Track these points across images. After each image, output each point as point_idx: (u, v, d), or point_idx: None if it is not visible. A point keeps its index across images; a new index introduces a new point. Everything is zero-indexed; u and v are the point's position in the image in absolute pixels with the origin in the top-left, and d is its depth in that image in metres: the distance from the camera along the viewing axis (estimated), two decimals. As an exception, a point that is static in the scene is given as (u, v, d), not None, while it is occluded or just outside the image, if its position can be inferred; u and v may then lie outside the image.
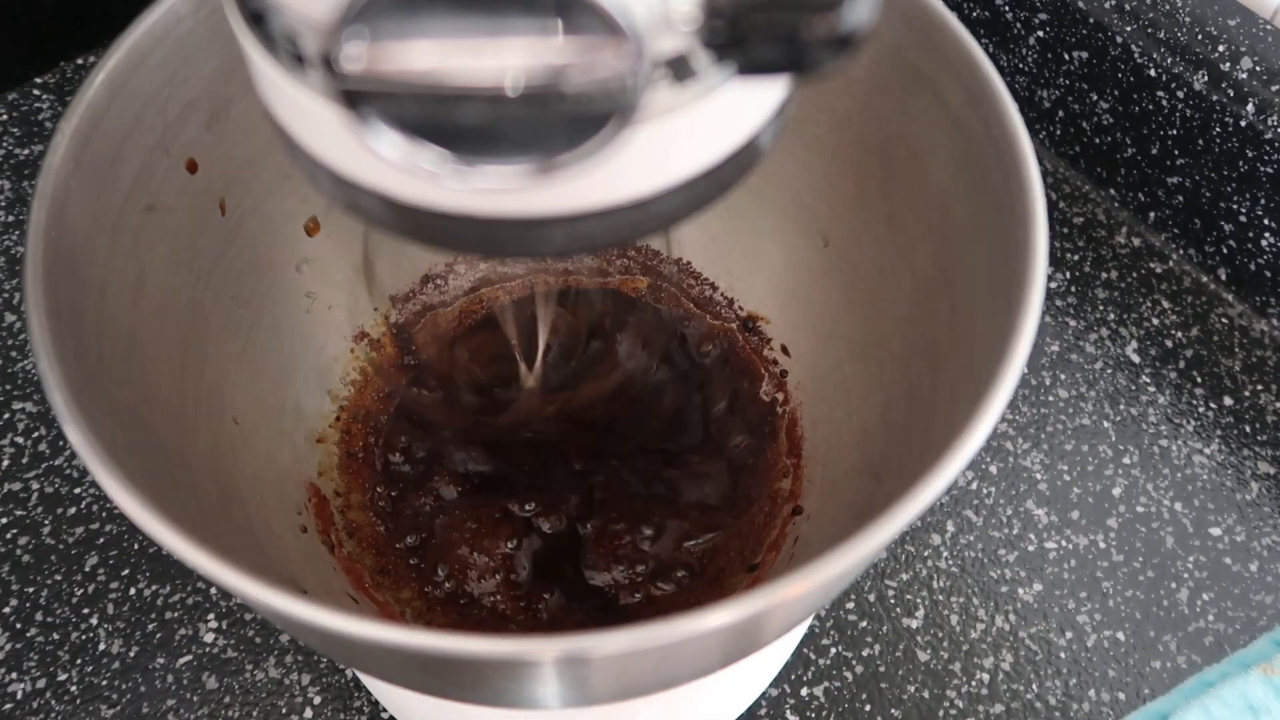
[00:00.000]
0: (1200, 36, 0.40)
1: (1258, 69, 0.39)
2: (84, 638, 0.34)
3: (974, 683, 0.34)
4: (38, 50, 0.47)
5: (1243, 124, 0.39)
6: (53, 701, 0.33)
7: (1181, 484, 0.38)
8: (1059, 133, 0.47)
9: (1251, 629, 0.35)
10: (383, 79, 0.13)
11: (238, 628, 0.34)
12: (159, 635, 0.34)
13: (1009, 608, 0.35)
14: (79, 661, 0.33)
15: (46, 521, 0.36)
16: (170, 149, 0.26)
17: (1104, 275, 0.44)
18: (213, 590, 0.35)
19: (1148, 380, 0.41)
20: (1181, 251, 0.44)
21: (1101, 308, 0.43)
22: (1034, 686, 0.34)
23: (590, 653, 0.17)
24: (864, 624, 0.35)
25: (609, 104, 0.13)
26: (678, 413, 0.35)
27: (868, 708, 0.33)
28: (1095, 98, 0.44)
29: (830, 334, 0.33)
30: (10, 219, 0.43)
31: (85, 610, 0.34)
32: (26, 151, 0.45)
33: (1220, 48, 0.39)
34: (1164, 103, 0.41)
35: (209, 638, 0.34)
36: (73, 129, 0.23)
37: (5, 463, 0.37)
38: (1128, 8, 0.41)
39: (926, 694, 0.34)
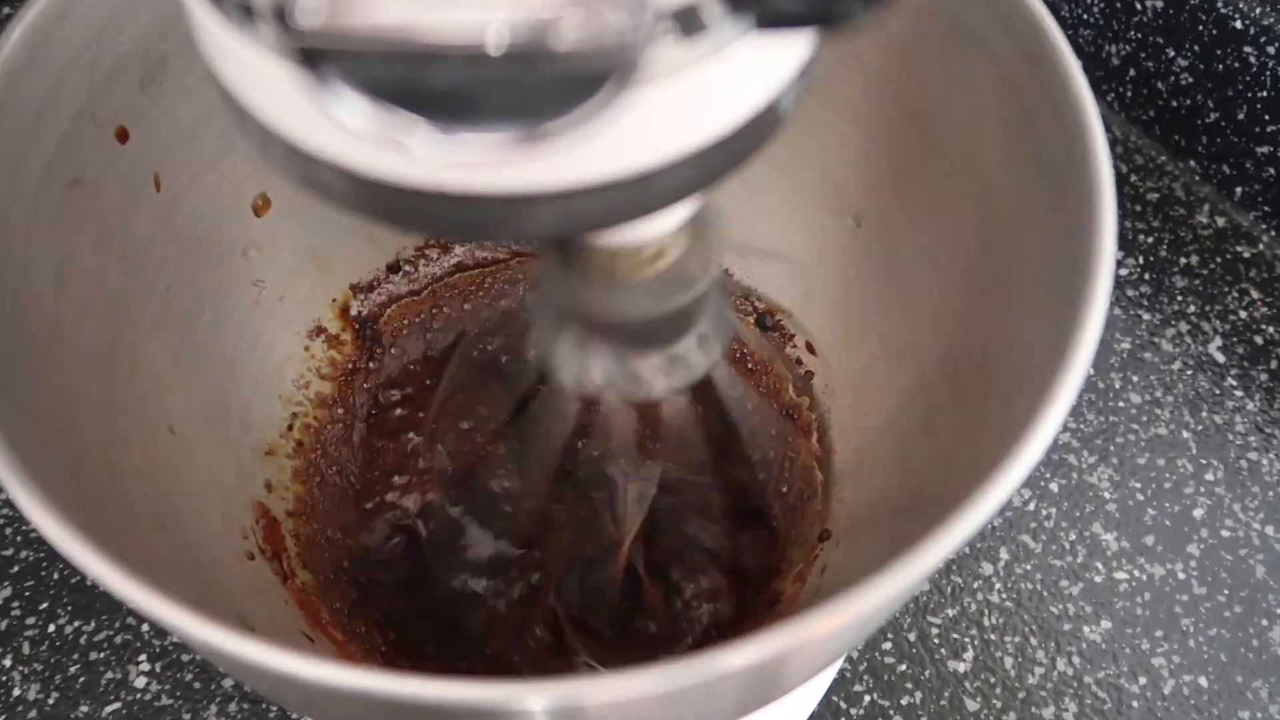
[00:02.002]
0: (1295, -17, 0.40)
1: (1362, 20, 0.39)
2: (-4, 682, 0.34)
3: (1031, 735, 0.34)
4: (-58, -1, 0.47)
5: (1345, 85, 0.39)
6: (-40, 756, 0.33)
7: (1274, 504, 0.38)
8: (1130, 95, 0.47)
9: (1355, 673, 0.35)
10: (345, 35, 0.13)
11: (174, 670, 0.34)
12: (82, 679, 0.34)
13: (1072, 649, 0.35)
14: (-10, 710, 0.33)
15: (-48, 547, 0.36)
16: (98, 115, 0.27)
17: (1183, 260, 0.44)
18: (145, 627, 0.35)
19: (1234, 383, 0.41)
20: (1273, 233, 0.44)
21: (1180, 298, 0.43)
22: (1101, 740, 0.34)
23: (585, 699, 0.17)
24: (903, 667, 0.35)
25: (606, 63, 0.13)
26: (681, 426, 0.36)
27: (907, 764, 0.33)
28: (1172, 53, 0.44)
29: (863, 329, 0.33)
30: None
31: (-2, 650, 0.34)
32: (-71, 117, 0.45)
33: (1319, -4, 0.40)
34: (1252, 59, 0.41)
35: (140, 682, 0.34)
36: (-16, 92, 0.23)
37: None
38: (1211, -51, 0.41)
39: (975, 748, 0.34)
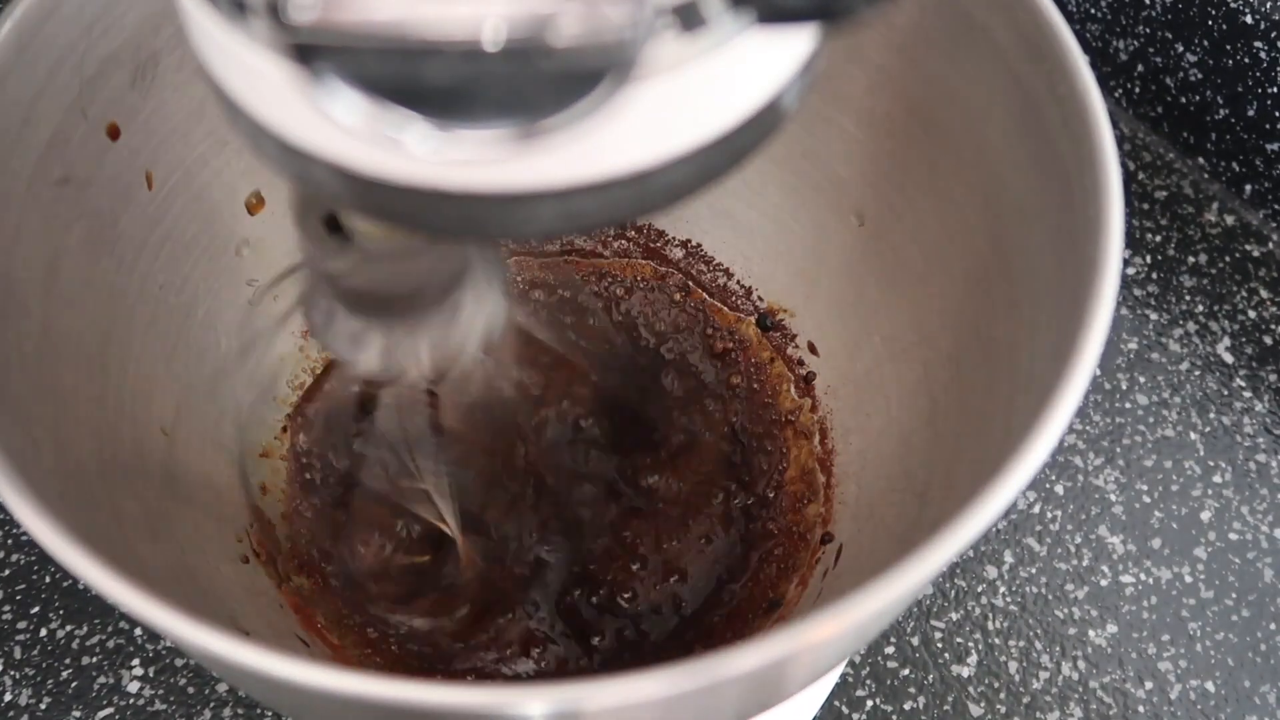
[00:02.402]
0: (1305, -23, 0.40)
1: (1373, 15, 0.39)
2: (-14, 687, 0.34)
3: (1036, 741, 0.34)
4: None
5: (1355, 81, 0.39)
6: (-51, 762, 0.33)
7: (1282, 506, 0.38)
8: (1138, 91, 0.47)
9: (1365, 678, 0.35)
10: (339, 30, 0.13)
11: (167, 675, 0.34)
12: (75, 684, 0.34)
13: (1078, 653, 0.35)
14: (-20, 715, 0.33)
15: (-58, 550, 0.36)
16: (88, 111, 0.27)
17: (1191, 260, 0.44)
18: (138, 631, 0.35)
19: (1243, 384, 0.41)
20: (1283, 231, 0.44)
21: (1188, 298, 0.43)
22: (1107, 746, 0.34)
23: (583, 704, 0.17)
24: (906, 672, 0.35)
25: (604, 59, 0.13)
26: (680, 427, 0.36)
27: (911, 771, 0.33)
28: (1181, 49, 0.44)
29: (866, 329, 0.33)
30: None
31: (-12, 655, 0.34)
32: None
33: (1328, -10, 0.40)
34: (1262, 55, 0.41)
35: (133, 687, 0.34)
36: (-27, 88, 0.23)
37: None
38: (1219, -57, 0.41)
39: (980, 754, 0.34)
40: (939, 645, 0.35)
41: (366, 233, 0.20)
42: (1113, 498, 0.38)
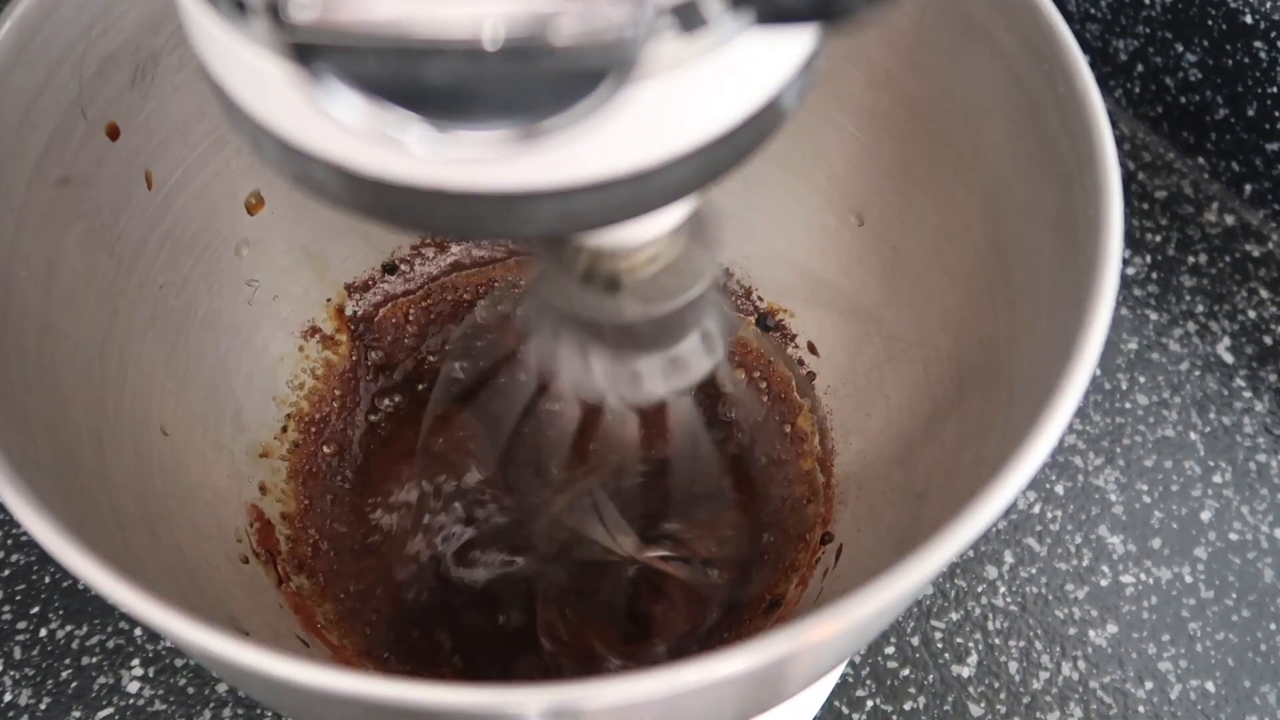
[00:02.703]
0: (1305, -23, 0.40)
1: (1373, 15, 0.39)
2: (-14, 687, 0.34)
3: (1036, 741, 0.34)
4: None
5: (1355, 80, 0.39)
6: (-51, 762, 0.33)
7: (1282, 506, 0.38)
8: (1138, 91, 0.47)
9: (1365, 678, 0.35)
10: (339, 30, 0.13)
11: (167, 675, 0.34)
12: (74, 684, 0.34)
13: (1078, 653, 0.35)
14: (-20, 715, 0.33)
15: (-58, 550, 0.36)
16: (88, 111, 0.27)
17: (1191, 259, 0.44)
18: (138, 631, 0.35)
19: (1243, 384, 0.41)
20: (1283, 231, 0.44)
21: (1188, 298, 0.43)
22: (1107, 746, 0.34)
23: (582, 704, 0.17)
24: (906, 672, 0.35)
25: (605, 59, 0.13)
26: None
27: (911, 771, 0.33)
28: (1181, 49, 0.44)
29: (866, 329, 0.33)
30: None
31: (-13, 655, 0.34)
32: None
33: (1328, -10, 0.40)
34: (1262, 55, 0.41)
35: (133, 687, 0.34)
36: (-27, 88, 0.23)
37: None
38: (1219, -57, 0.41)
39: (980, 754, 0.34)
40: (939, 645, 0.35)
41: (630, 273, 0.21)
42: (1113, 498, 0.38)
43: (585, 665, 0.32)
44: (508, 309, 0.34)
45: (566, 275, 0.21)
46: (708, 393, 0.36)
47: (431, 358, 0.38)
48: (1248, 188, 0.45)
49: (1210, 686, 0.35)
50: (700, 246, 0.21)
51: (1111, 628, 0.36)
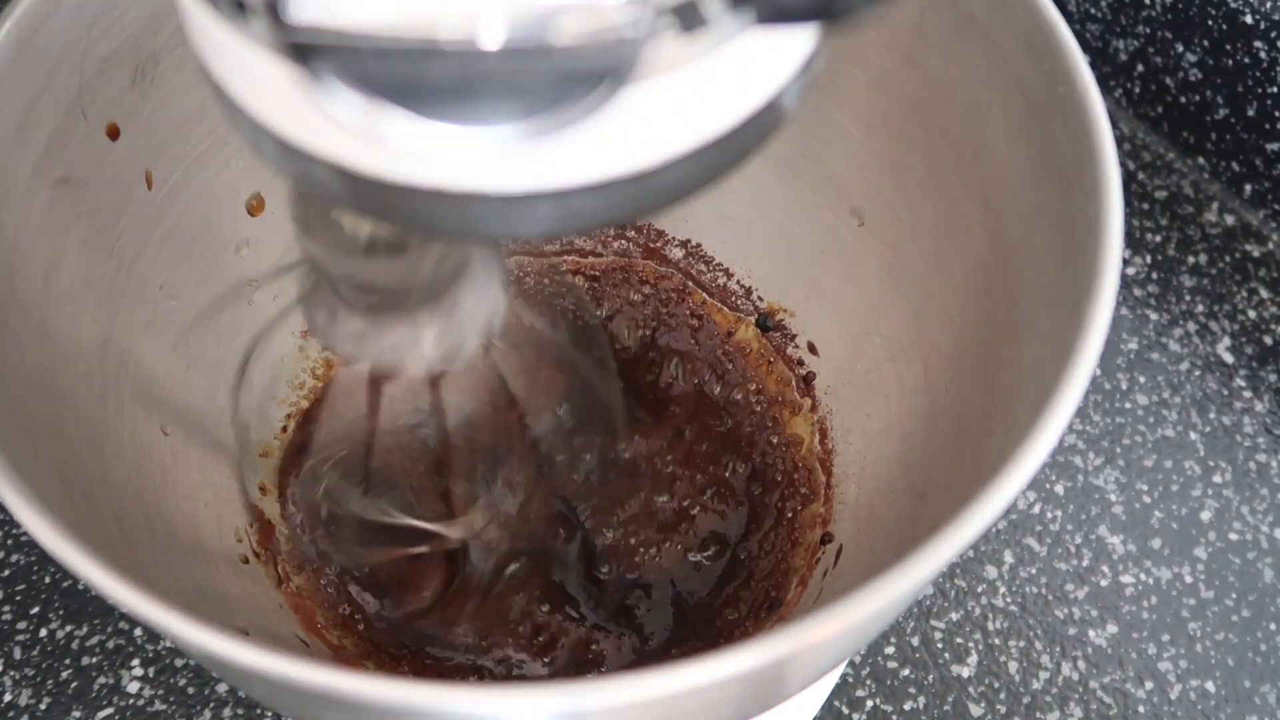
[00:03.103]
0: (1305, -23, 0.40)
1: (1373, 15, 0.39)
2: (-14, 687, 0.34)
3: (1036, 741, 0.34)
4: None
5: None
6: (-51, 762, 0.33)
7: (1282, 506, 0.38)
8: (1138, 91, 0.47)
9: (1365, 678, 0.35)
10: (338, 29, 0.13)
11: (167, 675, 0.34)
12: (75, 684, 0.34)
13: (1078, 653, 0.35)
14: (-20, 715, 0.33)
15: (-58, 550, 0.36)
16: (88, 111, 0.27)
17: (1191, 259, 0.44)
18: (138, 631, 0.35)
19: (1243, 384, 0.41)
20: (1283, 231, 0.44)
21: (1188, 298, 0.43)
22: (1107, 746, 0.34)
23: (585, 704, 0.17)
24: (906, 672, 0.35)
25: (605, 59, 0.13)
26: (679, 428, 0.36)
27: (911, 771, 0.33)
28: (1181, 49, 0.44)
29: (866, 329, 0.33)
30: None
31: (-13, 655, 0.34)
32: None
33: (1328, -10, 0.40)
34: (1262, 55, 0.41)
35: (133, 687, 0.34)
36: (-27, 88, 0.23)
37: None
38: (1219, -57, 0.41)
39: (980, 754, 0.34)
40: (939, 645, 0.35)
41: (366, 228, 0.20)
42: (1113, 498, 0.38)
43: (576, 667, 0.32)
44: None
45: (323, 238, 0.20)
46: (709, 393, 0.36)
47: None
48: (1248, 188, 0.45)
49: (1210, 686, 0.35)
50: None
51: (1111, 628, 0.36)
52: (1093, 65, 0.46)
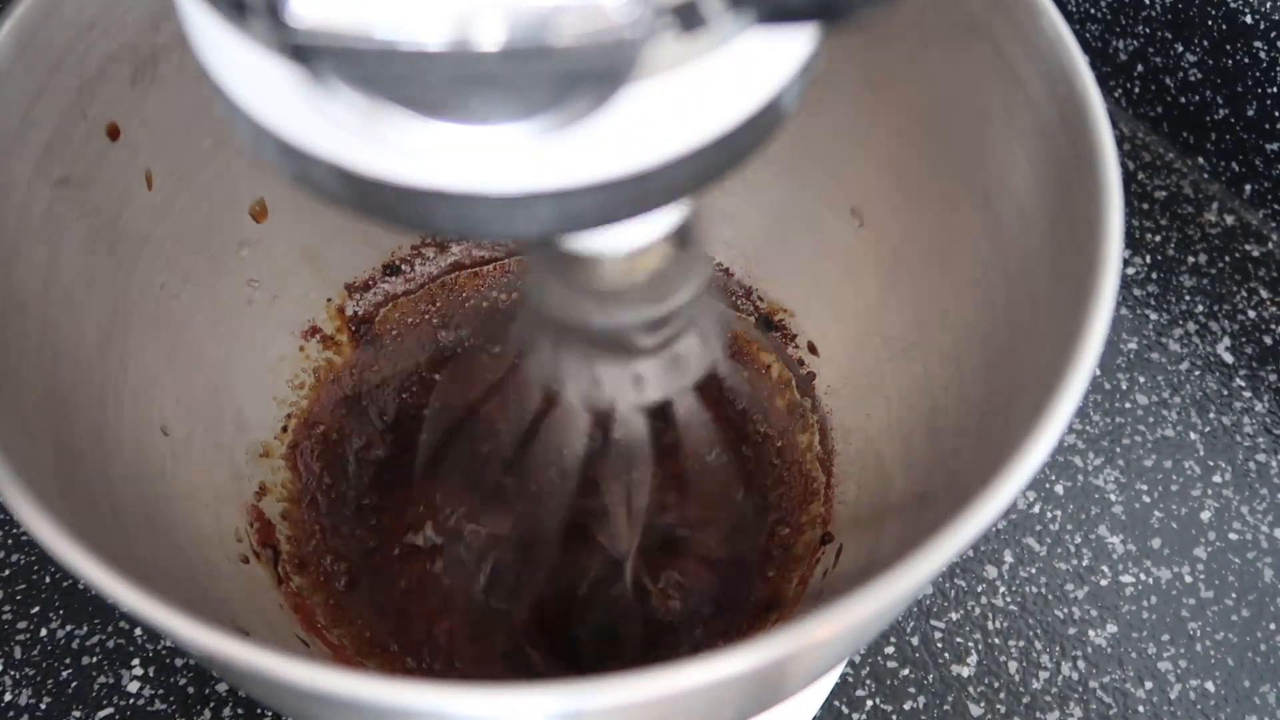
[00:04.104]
0: (1305, -23, 0.40)
1: (1373, 15, 0.39)
2: (-14, 687, 0.34)
3: (1036, 741, 0.34)
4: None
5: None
6: (-51, 762, 0.33)
7: (1282, 506, 0.38)
8: (1137, 91, 0.47)
9: (1365, 678, 0.35)
10: (338, 30, 0.13)
11: (167, 675, 0.34)
12: (75, 684, 0.34)
13: (1078, 653, 0.35)
14: (-20, 715, 0.33)
15: (-58, 550, 0.36)
16: (88, 111, 0.27)
17: (1191, 259, 0.44)
18: (138, 631, 0.35)
19: (1243, 384, 0.41)
20: (1282, 231, 0.44)
21: (1188, 298, 0.43)
22: (1107, 746, 0.34)
23: (585, 704, 0.17)
24: (906, 672, 0.35)
25: (604, 59, 0.13)
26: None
27: (911, 770, 0.33)
28: (1180, 49, 0.44)
29: (866, 329, 0.33)
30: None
31: (-12, 655, 0.34)
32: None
33: (1328, -10, 0.40)
34: (1262, 55, 0.41)
35: (133, 687, 0.34)
36: (-27, 88, 0.23)
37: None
38: (1219, -57, 0.41)
39: (980, 754, 0.34)
40: (939, 645, 0.35)
41: (624, 278, 0.21)
42: (1113, 498, 0.38)
43: (576, 666, 0.32)
44: (491, 334, 0.34)
45: (561, 285, 0.21)
46: (709, 393, 0.36)
47: (432, 357, 0.37)
48: (1248, 188, 0.45)
49: (1210, 686, 0.35)
50: (691, 247, 0.21)
51: (1111, 628, 0.36)
52: (1093, 65, 0.46)
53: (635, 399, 0.24)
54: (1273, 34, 0.41)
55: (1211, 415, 0.40)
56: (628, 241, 0.20)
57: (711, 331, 0.24)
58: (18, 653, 0.35)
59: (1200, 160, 0.46)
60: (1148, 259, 0.44)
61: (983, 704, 0.34)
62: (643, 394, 0.23)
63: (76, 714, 0.34)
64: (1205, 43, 0.43)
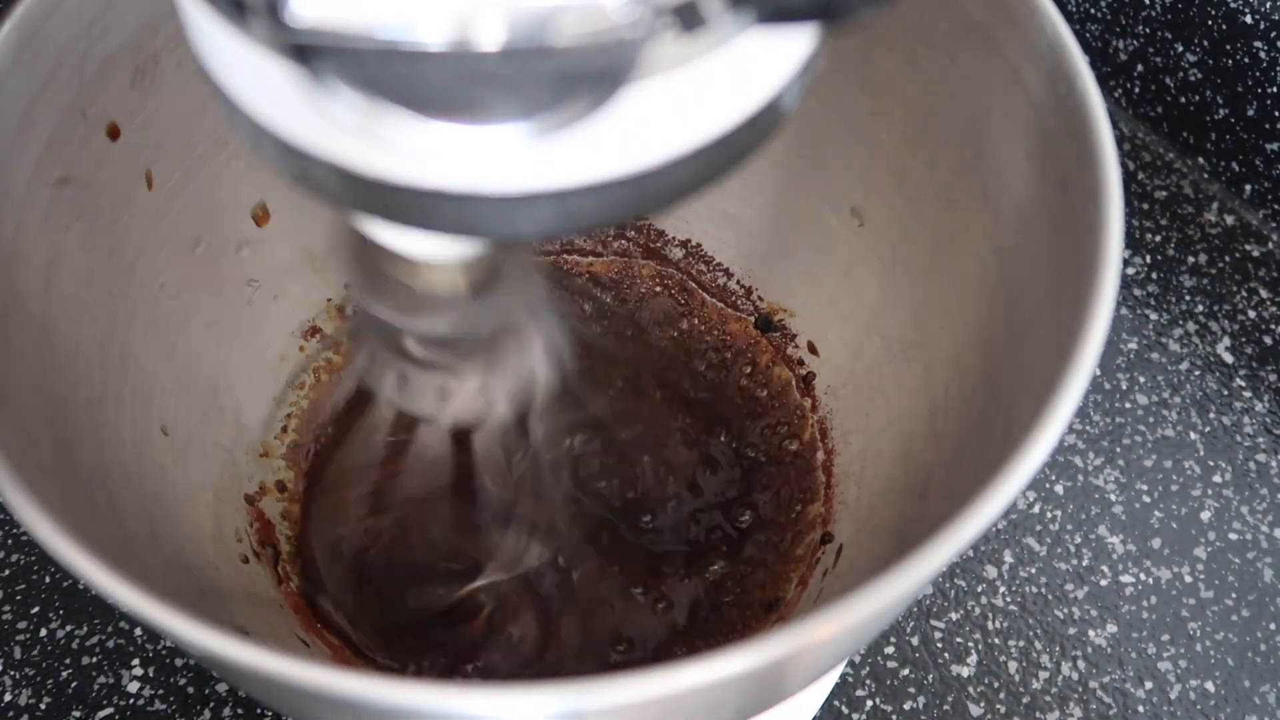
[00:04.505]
0: (1305, -23, 0.40)
1: (1373, 15, 0.39)
2: (-14, 687, 0.34)
3: (1036, 741, 0.34)
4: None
5: (1355, 81, 0.39)
6: (-51, 762, 0.33)
7: (1282, 506, 0.38)
8: (1137, 91, 0.47)
9: (1365, 678, 0.35)
10: (339, 30, 0.13)
11: (167, 675, 0.34)
12: (74, 684, 0.34)
13: (1078, 653, 0.35)
14: (-20, 715, 0.33)
15: (-58, 550, 0.36)
16: (88, 111, 0.27)
17: (1191, 259, 0.44)
18: (137, 631, 0.35)
19: (1243, 384, 0.41)
20: (1282, 231, 0.44)
21: (1188, 298, 0.43)
22: (1107, 746, 0.34)
23: (583, 704, 0.17)
24: (906, 672, 0.35)
25: (605, 59, 0.13)
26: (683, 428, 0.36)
27: (911, 770, 0.33)
28: (1180, 49, 0.44)
29: (866, 329, 0.33)
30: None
31: (-12, 655, 0.34)
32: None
33: (1328, -10, 0.40)
34: (1262, 55, 0.41)
35: (133, 687, 0.34)
36: (-27, 88, 0.23)
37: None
38: (1219, -57, 0.41)
39: (980, 754, 0.34)
40: (939, 645, 0.35)
41: (419, 279, 0.20)
42: (1113, 498, 0.38)
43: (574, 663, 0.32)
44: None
45: (385, 281, 0.20)
46: (709, 393, 0.36)
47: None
48: (1248, 188, 0.45)
49: (1210, 686, 0.35)
50: (518, 265, 0.21)
51: (1111, 628, 0.36)
52: (1093, 65, 0.46)
53: (436, 413, 0.23)
54: (1273, 34, 0.41)
55: (1211, 415, 0.40)
56: (447, 248, 0.20)
57: (534, 362, 0.23)
58: (18, 653, 0.35)
59: (1200, 160, 0.46)
60: (1148, 259, 0.44)
61: (983, 704, 0.34)
62: (444, 409, 0.23)
63: (76, 714, 0.34)
64: (1205, 43, 0.43)
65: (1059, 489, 0.38)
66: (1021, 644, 0.35)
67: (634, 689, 0.17)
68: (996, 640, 0.36)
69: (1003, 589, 0.36)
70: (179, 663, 0.35)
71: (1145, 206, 0.45)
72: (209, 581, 0.28)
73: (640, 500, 0.34)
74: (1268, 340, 0.42)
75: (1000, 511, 0.19)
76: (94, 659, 0.35)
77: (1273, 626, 0.36)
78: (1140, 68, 0.46)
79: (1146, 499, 0.38)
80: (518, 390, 0.23)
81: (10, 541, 0.37)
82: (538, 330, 0.23)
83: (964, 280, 0.29)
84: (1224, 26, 0.42)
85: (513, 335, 0.22)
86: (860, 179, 0.32)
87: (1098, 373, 0.41)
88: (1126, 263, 0.44)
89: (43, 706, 0.34)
